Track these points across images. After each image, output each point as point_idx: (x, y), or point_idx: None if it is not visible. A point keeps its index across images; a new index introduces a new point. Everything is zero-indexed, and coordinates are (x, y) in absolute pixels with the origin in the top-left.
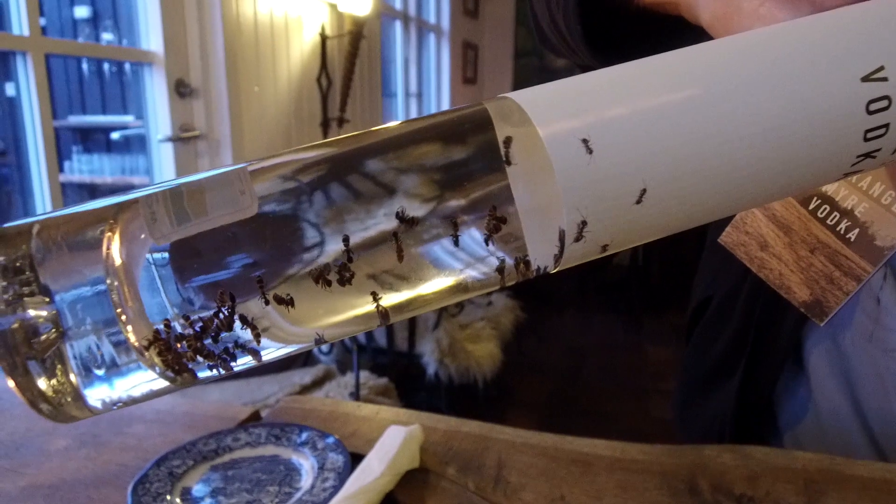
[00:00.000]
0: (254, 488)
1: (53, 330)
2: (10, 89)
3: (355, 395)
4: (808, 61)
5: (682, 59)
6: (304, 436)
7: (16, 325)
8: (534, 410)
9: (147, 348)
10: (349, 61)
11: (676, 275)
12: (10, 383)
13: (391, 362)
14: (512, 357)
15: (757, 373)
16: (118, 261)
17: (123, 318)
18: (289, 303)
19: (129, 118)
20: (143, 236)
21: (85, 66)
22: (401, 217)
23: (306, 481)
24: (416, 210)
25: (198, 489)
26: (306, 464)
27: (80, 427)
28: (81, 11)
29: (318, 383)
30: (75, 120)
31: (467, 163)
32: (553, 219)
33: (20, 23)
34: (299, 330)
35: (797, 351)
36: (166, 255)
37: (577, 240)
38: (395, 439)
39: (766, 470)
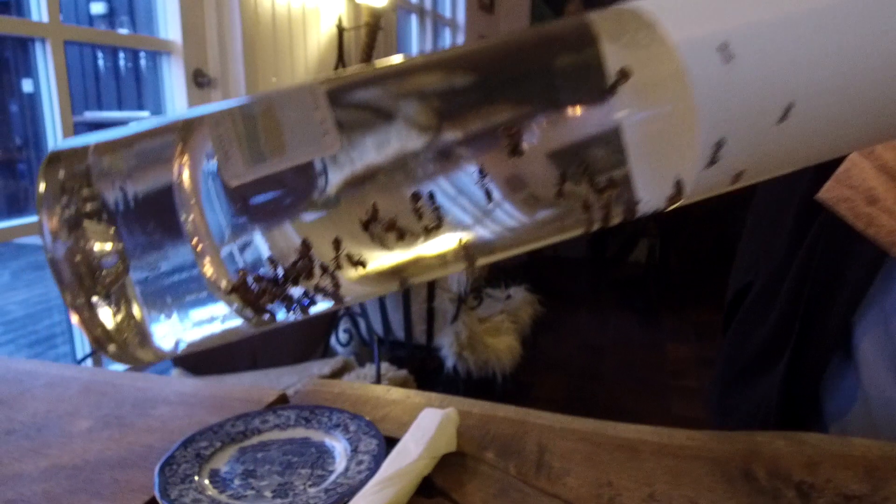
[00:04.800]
0: (285, 470)
1: (120, 262)
2: (28, 86)
3: None
4: None
5: None
6: (335, 418)
7: (79, 258)
8: (553, 406)
9: (227, 286)
10: (366, 53)
11: (695, 271)
12: (75, 319)
13: (409, 355)
14: (530, 352)
15: (803, 361)
16: (191, 188)
17: (199, 248)
18: (360, 264)
19: (144, 114)
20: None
21: (101, 61)
22: (503, 143)
23: (340, 464)
24: (511, 141)
25: (227, 471)
26: (339, 446)
27: (103, 408)
28: (98, 7)
29: (336, 374)
30: (91, 116)
31: (566, 87)
32: (671, 150)
33: (39, 12)
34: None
35: (846, 338)
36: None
37: (712, 163)
38: (431, 422)
39: (824, 456)
